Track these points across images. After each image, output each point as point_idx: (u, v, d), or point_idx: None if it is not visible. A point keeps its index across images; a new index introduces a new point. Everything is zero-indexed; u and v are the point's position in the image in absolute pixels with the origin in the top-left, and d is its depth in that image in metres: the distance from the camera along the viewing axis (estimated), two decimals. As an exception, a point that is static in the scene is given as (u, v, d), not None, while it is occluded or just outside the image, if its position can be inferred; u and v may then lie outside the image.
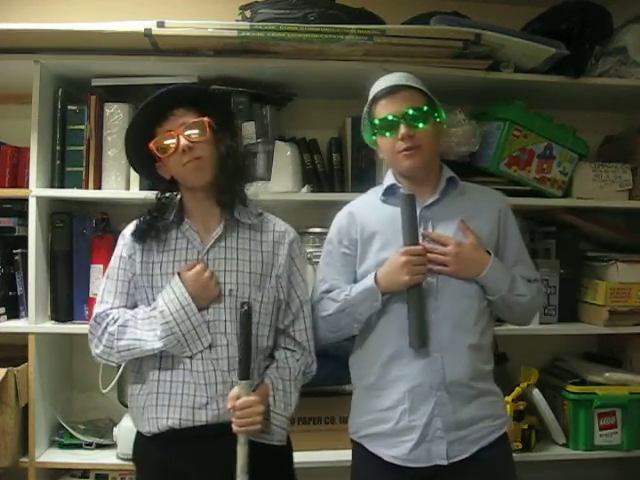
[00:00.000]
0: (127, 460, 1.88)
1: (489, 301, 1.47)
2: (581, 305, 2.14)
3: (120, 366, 1.94)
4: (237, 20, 1.90)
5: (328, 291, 1.51)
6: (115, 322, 1.38)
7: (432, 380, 1.40)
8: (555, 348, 2.29)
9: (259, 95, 1.98)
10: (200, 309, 1.34)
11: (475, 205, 1.52)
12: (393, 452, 1.42)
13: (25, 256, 1.92)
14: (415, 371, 1.41)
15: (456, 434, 1.40)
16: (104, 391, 1.96)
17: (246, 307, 1.32)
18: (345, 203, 2.02)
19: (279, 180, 1.93)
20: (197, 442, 1.35)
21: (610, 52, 2.03)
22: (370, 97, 1.51)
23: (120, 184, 1.93)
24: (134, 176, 1.92)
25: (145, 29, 1.73)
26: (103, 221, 1.97)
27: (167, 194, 1.47)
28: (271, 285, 1.42)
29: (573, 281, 2.14)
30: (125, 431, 1.89)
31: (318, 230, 1.94)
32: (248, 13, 1.89)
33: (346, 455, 1.88)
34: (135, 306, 1.42)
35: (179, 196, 1.46)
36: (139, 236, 1.41)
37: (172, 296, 1.34)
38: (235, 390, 1.32)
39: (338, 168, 2.05)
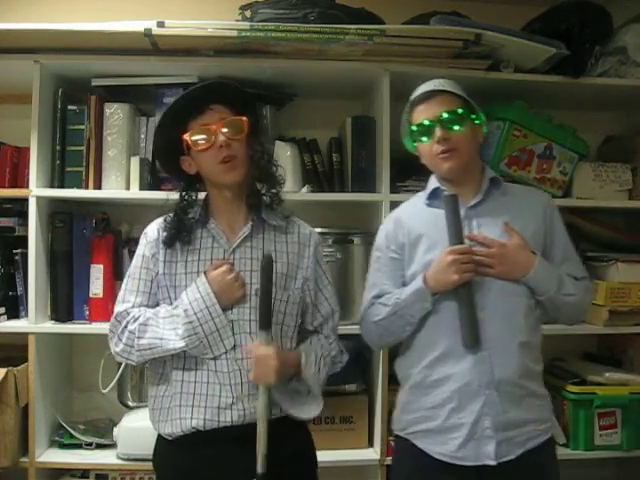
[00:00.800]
0: (127, 460, 1.89)
1: (537, 300, 1.48)
2: (581, 305, 2.14)
3: (120, 366, 1.95)
4: (237, 20, 1.90)
5: (378, 296, 1.52)
6: (136, 320, 1.35)
7: (481, 379, 1.41)
8: (555, 348, 2.28)
9: (259, 95, 1.98)
10: (223, 309, 1.33)
11: (519, 205, 1.52)
12: (441, 449, 1.44)
13: (25, 256, 1.92)
14: (464, 370, 1.42)
15: (504, 434, 1.41)
16: (104, 391, 1.96)
17: (267, 256, 1.30)
18: (345, 203, 2.04)
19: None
20: (221, 445, 1.33)
21: (610, 52, 2.03)
22: (407, 104, 1.54)
23: (120, 184, 1.93)
24: (134, 176, 1.92)
25: (145, 29, 1.73)
26: (103, 221, 1.97)
27: (192, 194, 1.44)
28: (296, 286, 1.41)
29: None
30: (125, 431, 1.90)
31: (319, 230, 1.93)
32: (248, 13, 1.89)
33: (346, 455, 1.89)
34: (157, 305, 1.40)
35: (203, 195, 1.45)
36: (167, 240, 1.38)
37: (197, 295, 1.32)
38: (256, 341, 1.30)
39: (338, 168, 2.05)
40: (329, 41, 1.79)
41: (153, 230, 1.43)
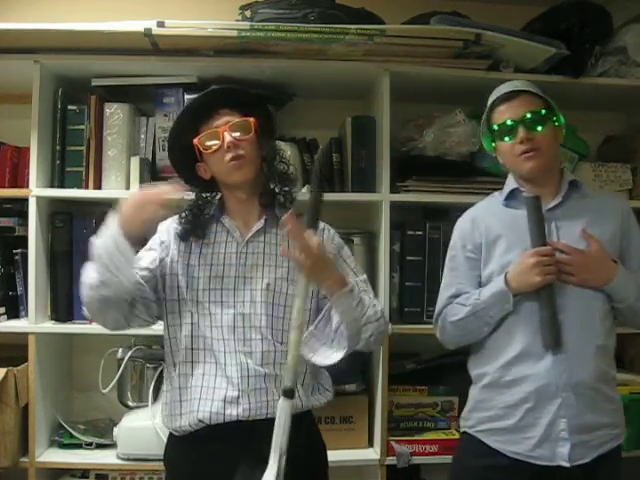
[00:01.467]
0: (127, 460, 1.89)
1: (613, 306, 1.48)
2: (581, 305, 2.14)
3: (120, 366, 1.95)
4: (237, 20, 1.90)
5: (455, 296, 1.53)
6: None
7: (558, 381, 1.41)
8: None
9: (259, 95, 1.97)
10: (135, 237, 1.30)
11: (597, 209, 1.52)
12: (516, 447, 1.44)
13: (25, 256, 1.92)
14: (541, 371, 1.42)
15: (579, 437, 1.41)
16: (104, 391, 1.96)
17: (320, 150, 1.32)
18: (345, 203, 2.04)
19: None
20: (227, 442, 1.34)
21: (610, 52, 2.03)
22: (488, 104, 1.55)
23: (120, 184, 1.93)
24: (134, 176, 1.92)
25: (145, 29, 1.73)
26: (103, 221, 1.97)
27: (208, 195, 1.47)
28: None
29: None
30: (125, 431, 1.90)
31: None
32: (248, 13, 1.89)
33: (347, 455, 1.89)
34: (154, 287, 1.40)
35: (219, 195, 1.48)
36: (182, 234, 1.41)
37: (104, 231, 1.33)
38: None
39: (338, 168, 2.05)
40: (329, 41, 1.79)
41: (167, 224, 1.46)
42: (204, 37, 1.77)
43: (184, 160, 1.44)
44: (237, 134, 1.37)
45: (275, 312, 1.37)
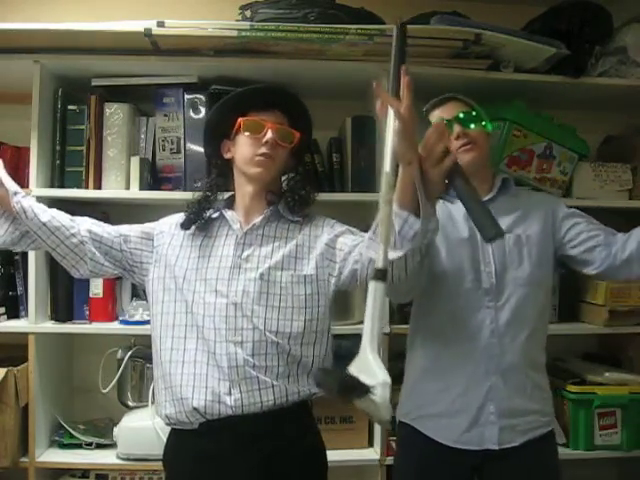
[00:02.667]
0: (127, 460, 1.89)
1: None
2: (581, 305, 2.14)
3: (120, 366, 1.95)
4: (237, 20, 1.90)
5: None
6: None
7: (488, 365, 1.44)
8: (555, 348, 2.27)
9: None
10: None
11: (526, 207, 1.57)
12: (445, 433, 1.46)
13: (25, 256, 1.92)
14: (471, 356, 1.45)
15: (508, 421, 1.44)
16: (104, 391, 1.96)
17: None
18: (345, 203, 2.04)
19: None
20: (222, 442, 1.34)
21: (610, 52, 2.03)
22: (422, 112, 1.60)
23: (120, 184, 1.93)
24: (134, 176, 1.92)
25: (145, 29, 1.73)
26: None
27: (217, 190, 1.49)
28: (307, 265, 1.40)
29: (573, 281, 2.14)
30: (125, 431, 1.90)
31: None
32: (248, 13, 1.89)
33: (347, 455, 1.89)
34: (114, 260, 1.46)
35: (226, 195, 1.50)
36: (185, 223, 1.44)
37: None
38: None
39: (338, 168, 2.05)
40: (329, 41, 1.79)
41: (175, 218, 1.50)
42: (204, 37, 1.77)
43: (215, 134, 1.47)
44: (279, 137, 1.40)
45: (270, 302, 1.37)
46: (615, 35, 2.04)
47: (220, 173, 1.49)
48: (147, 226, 1.51)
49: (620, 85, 2.03)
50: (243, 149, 1.41)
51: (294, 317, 1.39)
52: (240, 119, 1.41)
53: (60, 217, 1.43)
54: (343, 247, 1.40)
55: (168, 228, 1.48)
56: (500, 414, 1.43)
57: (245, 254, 1.40)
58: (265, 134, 1.39)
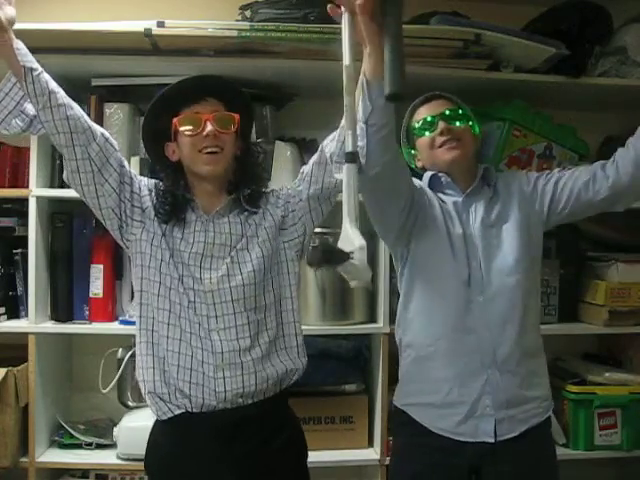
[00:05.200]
0: (127, 460, 1.89)
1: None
2: (581, 305, 2.14)
3: (120, 366, 1.95)
4: (237, 20, 1.90)
5: None
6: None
7: (483, 358, 1.44)
8: (555, 348, 2.28)
9: (259, 95, 1.97)
10: None
11: (503, 194, 1.57)
12: (441, 424, 1.46)
13: (25, 256, 1.92)
14: (466, 348, 1.45)
15: (505, 412, 1.44)
16: (104, 391, 1.96)
17: None
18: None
19: (279, 180, 1.93)
20: (207, 436, 1.35)
21: (610, 52, 2.03)
22: (408, 111, 1.60)
23: (120, 184, 1.93)
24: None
25: (145, 29, 1.73)
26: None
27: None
28: (265, 238, 1.42)
29: (573, 281, 2.14)
30: (125, 431, 1.89)
31: (318, 230, 1.93)
32: (248, 13, 1.89)
33: (346, 455, 1.89)
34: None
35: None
36: (164, 219, 1.40)
37: None
38: None
39: (338, 168, 2.05)
40: (329, 41, 1.79)
41: (151, 187, 1.44)
42: (204, 37, 1.77)
43: (155, 137, 1.43)
44: (219, 125, 1.36)
45: (246, 281, 1.38)
46: (615, 35, 2.04)
47: (175, 174, 1.43)
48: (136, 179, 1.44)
49: (620, 85, 2.03)
50: (187, 149, 1.37)
51: (266, 289, 1.40)
52: (175, 119, 1.37)
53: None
54: (295, 193, 1.45)
55: (149, 198, 1.43)
56: (497, 406, 1.43)
57: (217, 242, 1.39)
58: (204, 127, 1.35)
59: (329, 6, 1.25)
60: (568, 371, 2.13)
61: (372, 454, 1.97)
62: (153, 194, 1.42)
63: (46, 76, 1.29)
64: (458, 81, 1.95)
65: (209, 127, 1.35)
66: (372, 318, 2.02)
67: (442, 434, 1.46)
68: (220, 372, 1.34)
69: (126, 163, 1.42)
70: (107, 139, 1.37)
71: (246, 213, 1.44)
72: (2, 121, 1.31)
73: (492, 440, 1.43)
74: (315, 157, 1.44)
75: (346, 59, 1.28)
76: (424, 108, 1.58)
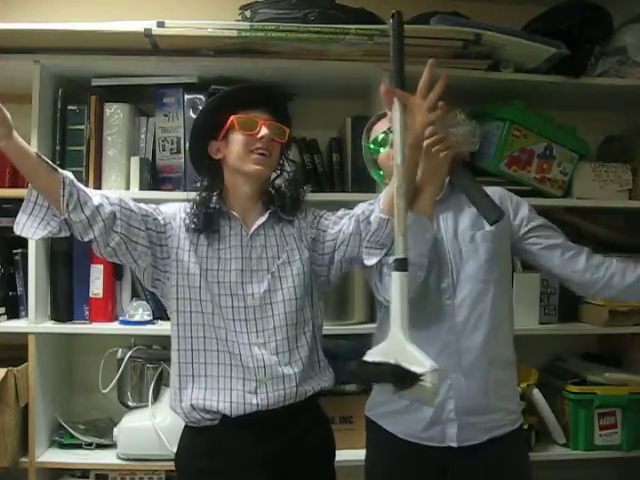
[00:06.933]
0: (127, 460, 1.89)
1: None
2: (581, 305, 2.14)
3: (120, 366, 1.95)
4: (237, 20, 1.90)
5: None
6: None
7: (448, 362, 1.43)
8: (555, 348, 2.29)
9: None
10: None
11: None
12: (407, 430, 1.47)
13: (25, 256, 1.92)
14: (431, 353, 1.42)
15: (467, 419, 1.43)
16: (104, 391, 1.96)
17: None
18: (345, 203, 2.03)
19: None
20: (242, 432, 1.36)
21: (610, 52, 2.03)
22: (364, 134, 1.62)
23: (120, 184, 1.93)
24: (134, 176, 1.92)
25: (145, 29, 1.73)
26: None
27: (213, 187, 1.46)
28: (306, 254, 1.44)
29: (573, 281, 2.14)
30: (125, 431, 1.90)
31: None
32: (248, 13, 1.89)
33: (346, 455, 1.88)
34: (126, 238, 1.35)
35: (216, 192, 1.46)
36: (198, 230, 1.40)
37: None
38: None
39: (338, 168, 2.05)
40: (329, 41, 1.79)
41: (174, 210, 1.44)
42: (204, 37, 1.77)
43: (201, 134, 1.45)
44: (272, 133, 1.40)
45: (287, 296, 1.40)
46: (615, 35, 2.04)
47: (213, 174, 1.46)
48: (154, 214, 1.42)
49: (620, 85, 2.03)
50: (237, 147, 1.40)
51: (306, 304, 1.43)
52: (232, 117, 1.39)
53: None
54: (327, 229, 1.46)
55: (174, 223, 1.43)
56: (459, 412, 1.43)
57: (254, 256, 1.41)
58: (259, 130, 1.39)
59: (382, 86, 1.28)
60: (568, 371, 2.13)
61: (372, 454, 1.97)
62: (182, 214, 1.43)
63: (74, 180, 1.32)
64: (458, 81, 1.94)
65: (265, 131, 1.39)
66: (372, 318, 2.02)
67: (409, 440, 1.46)
68: (263, 387, 1.35)
69: (143, 207, 1.40)
70: (122, 207, 1.35)
71: (281, 224, 1.46)
72: (36, 229, 1.32)
73: (455, 445, 1.43)
74: (352, 225, 1.43)
75: (397, 158, 1.23)
76: (377, 125, 1.58)
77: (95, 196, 1.33)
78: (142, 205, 1.41)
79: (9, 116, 1.30)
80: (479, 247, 1.50)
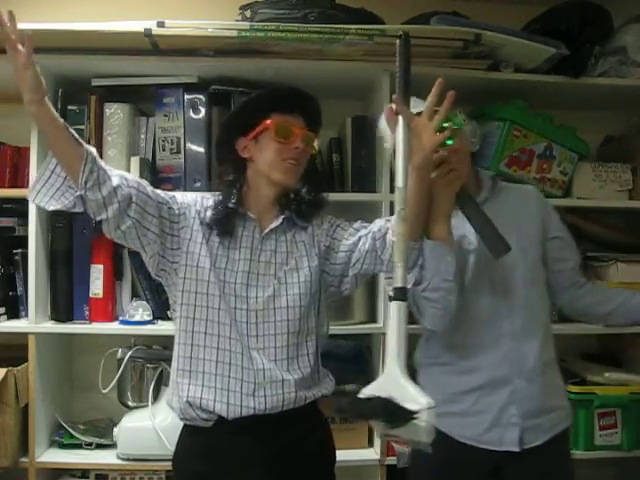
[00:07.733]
0: (127, 460, 1.89)
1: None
2: (581, 305, 2.14)
3: (120, 366, 1.95)
4: (237, 20, 1.90)
5: None
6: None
7: (511, 369, 1.44)
8: (555, 348, 2.28)
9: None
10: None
11: (520, 205, 1.56)
12: (465, 432, 1.46)
13: (25, 256, 1.92)
14: (493, 360, 1.45)
15: (531, 422, 1.44)
16: (104, 391, 1.96)
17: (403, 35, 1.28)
18: (345, 203, 2.04)
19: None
20: (240, 435, 1.34)
21: (610, 52, 2.03)
22: None
23: (120, 184, 1.93)
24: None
25: (145, 29, 1.73)
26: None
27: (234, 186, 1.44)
28: (315, 262, 1.42)
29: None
30: (125, 431, 1.90)
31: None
32: (248, 13, 1.89)
33: (347, 455, 1.89)
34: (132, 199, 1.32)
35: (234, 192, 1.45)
36: (221, 229, 1.39)
37: None
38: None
39: (338, 168, 2.05)
40: (329, 41, 1.79)
41: (194, 201, 1.44)
42: (204, 37, 1.77)
43: (231, 130, 1.44)
44: (305, 144, 1.40)
45: (291, 303, 1.38)
46: (615, 35, 2.04)
47: (237, 170, 1.45)
48: (174, 201, 1.43)
49: (620, 85, 2.03)
50: (270, 153, 1.38)
51: (311, 312, 1.41)
52: (271, 121, 1.38)
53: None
54: (343, 239, 1.44)
55: (190, 214, 1.41)
56: (524, 415, 1.43)
57: (262, 260, 1.40)
58: (295, 140, 1.38)
59: (387, 107, 1.28)
60: (568, 371, 2.13)
61: (372, 454, 1.97)
62: (197, 207, 1.42)
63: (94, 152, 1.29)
64: (458, 81, 1.94)
65: (299, 142, 1.39)
66: (372, 318, 2.02)
67: (466, 442, 1.45)
68: (261, 390, 1.34)
69: (160, 194, 1.40)
70: (139, 191, 1.33)
71: (294, 230, 1.44)
72: (50, 198, 1.29)
73: (517, 449, 1.42)
74: (369, 243, 1.40)
75: (399, 180, 1.21)
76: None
77: (115, 176, 1.30)
78: (159, 192, 1.40)
79: (44, 82, 1.29)
80: (527, 251, 1.50)
